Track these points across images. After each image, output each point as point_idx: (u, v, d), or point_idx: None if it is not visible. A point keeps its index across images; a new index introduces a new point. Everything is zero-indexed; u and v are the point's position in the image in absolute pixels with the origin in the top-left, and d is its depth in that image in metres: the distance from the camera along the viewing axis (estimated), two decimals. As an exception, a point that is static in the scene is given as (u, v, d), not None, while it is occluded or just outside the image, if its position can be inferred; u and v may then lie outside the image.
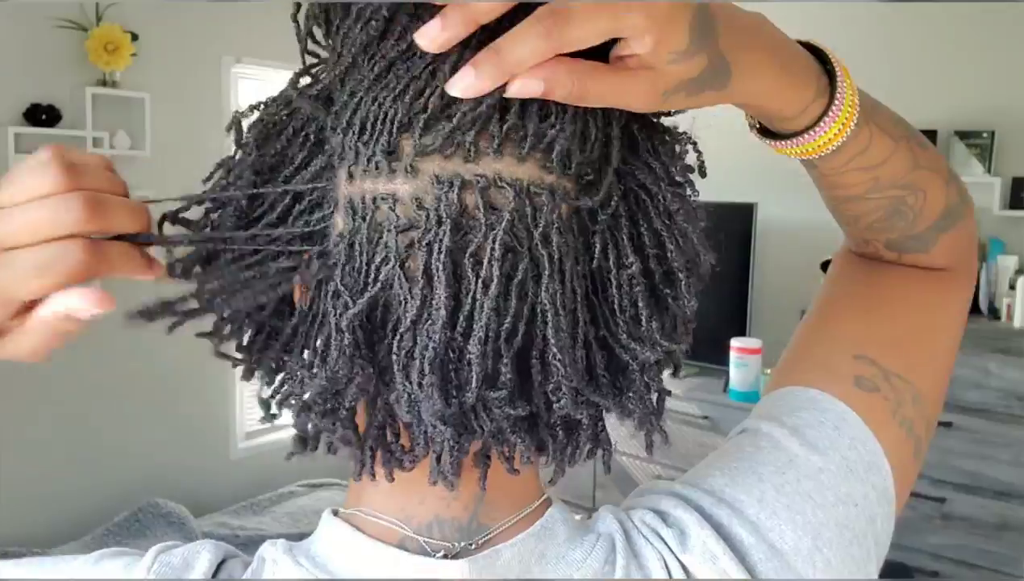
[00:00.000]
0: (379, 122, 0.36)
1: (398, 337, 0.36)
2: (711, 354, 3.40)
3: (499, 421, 0.37)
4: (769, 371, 3.25)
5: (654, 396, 0.41)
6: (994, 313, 2.89)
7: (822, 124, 0.45)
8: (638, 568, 0.42)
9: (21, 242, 0.36)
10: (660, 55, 0.35)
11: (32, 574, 0.44)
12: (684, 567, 0.42)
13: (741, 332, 3.28)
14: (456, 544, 0.41)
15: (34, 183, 0.36)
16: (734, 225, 3.34)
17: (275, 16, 2.77)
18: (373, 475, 0.40)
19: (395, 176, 0.36)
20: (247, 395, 3.65)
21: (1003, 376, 2.68)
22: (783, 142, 0.47)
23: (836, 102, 0.45)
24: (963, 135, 3.04)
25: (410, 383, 0.35)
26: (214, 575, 0.42)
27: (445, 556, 0.41)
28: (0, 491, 2.74)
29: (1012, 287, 2.82)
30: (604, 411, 0.40)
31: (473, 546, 0.41)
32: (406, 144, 0.36)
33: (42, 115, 2.80)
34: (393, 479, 0.40)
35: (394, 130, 0.36)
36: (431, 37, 0.33)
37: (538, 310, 0.36)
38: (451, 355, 0.35)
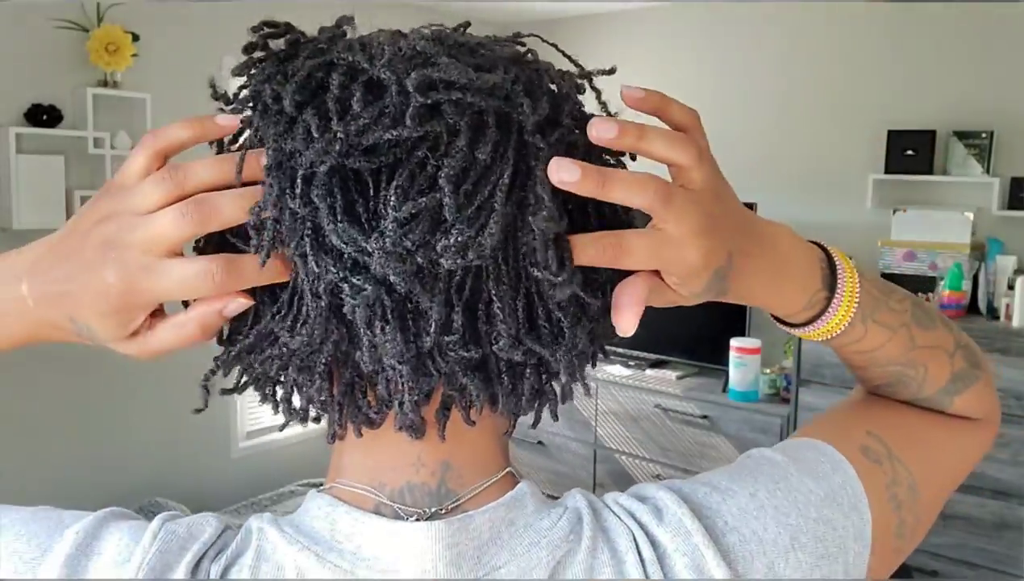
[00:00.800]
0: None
1: None
2: (710, 354, 3.40)
3: (453, 363, 0.42)
4: (768, 371, 3.26)
5: (590, 354, 0.46)
6: (992, 313, 2.90)
7: (814, 325, 0.54)
8: (605, 540, 0.45)
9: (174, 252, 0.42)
10: (681, 290, 0.43)
11: (37, 524, 0.45)
12: (653, 542, 0.45)
13: (740, 332, 3.29)
14: (427, 509, 0.45)
15: (158, 195, 0.42)
16: (734, 225, 3.34)
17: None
18: (344, 433, 0.46)
19: None
20: (247, 395, 3.65)
21: (1001, 376, 2.69)
22: (784, 326, 0.56)
23: (828, 312, 0.53)
24: (962, 135, 3.04)
25: (372, 333, 0.41)
26: (212, 545, 0.44)
27: (418, 519, 0.44)
28: (1, 490, 2.75)
29: (1011, 287, 2.82)
30: (549, 366, 0.45)
31: (443, 511, 0.45)
32: None
33: (43, 115, 2.80)
34: (361, 434, 0.45)
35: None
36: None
37: (484, 265, 0.41)
38: (408, 306, 0.41)
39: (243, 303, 0.42)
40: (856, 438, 0.55)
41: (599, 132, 0.40)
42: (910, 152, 3.11)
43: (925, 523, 0.58)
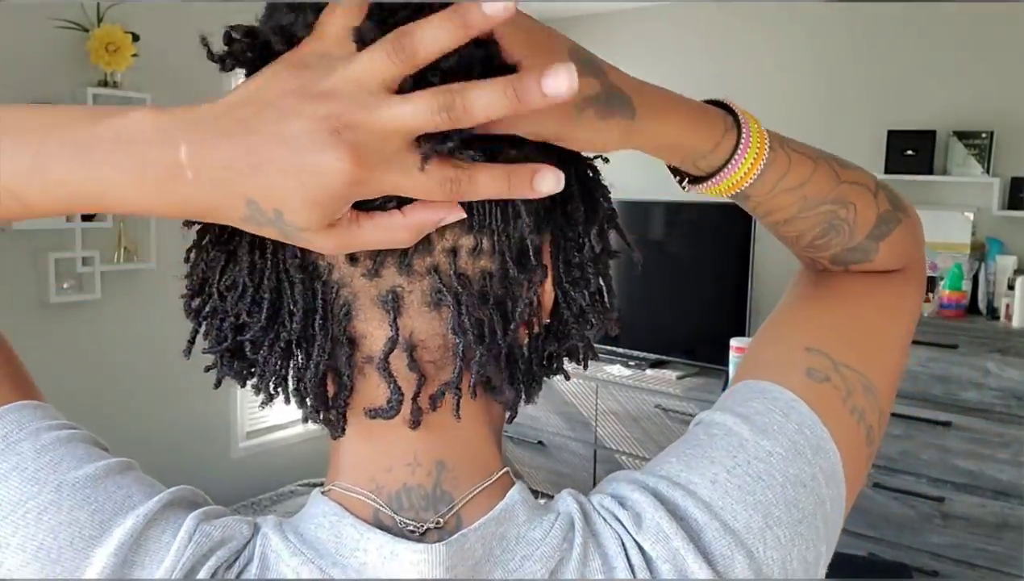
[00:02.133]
0: None
1: None
2: (710, 354, 3.40)
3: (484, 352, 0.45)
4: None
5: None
6: (993, 313, 2.90)
7: (738, 155, 0.50)
8: (596, 546, 0.44)
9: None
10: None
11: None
12: (640, 547, 0.44)
13: (741, 332, 3.29)
14: (424, 517, 0.45)
15: (393, 71, 0.35)
16: (734, 225, 3.35)
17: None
18: (344, 430, 0.47)
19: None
20: (247, 395, 3.66)
21: (1002, 376, 2.69)
22: (708, 182, 0.52)
23: (744, 134, 0.50)
24: (962, 135, 3.04)
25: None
26: (237, 552, 0.44)
27: (414, 532, 0.44)
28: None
29: (1011, 287, 2.82)
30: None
31: (442, 522, 0.45)
32: None
33: (43, 115, 2.80)
34: (343, 432, 0.46)
35: None
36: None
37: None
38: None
39: (461, 214, 0.40)
40: (797, 362, 0.53)
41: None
42: (910, 152, 3.11)
43: (888, 410, 0.56)
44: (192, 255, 0.46)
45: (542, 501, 0.49)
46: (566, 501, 0.47)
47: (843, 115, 3.38)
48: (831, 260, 0.60)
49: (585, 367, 0.52)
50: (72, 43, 2.87)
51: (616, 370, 3.57)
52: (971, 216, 3.01)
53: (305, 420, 0.48)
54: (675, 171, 0.54)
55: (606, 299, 0.50)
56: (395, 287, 0.43)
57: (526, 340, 0.48)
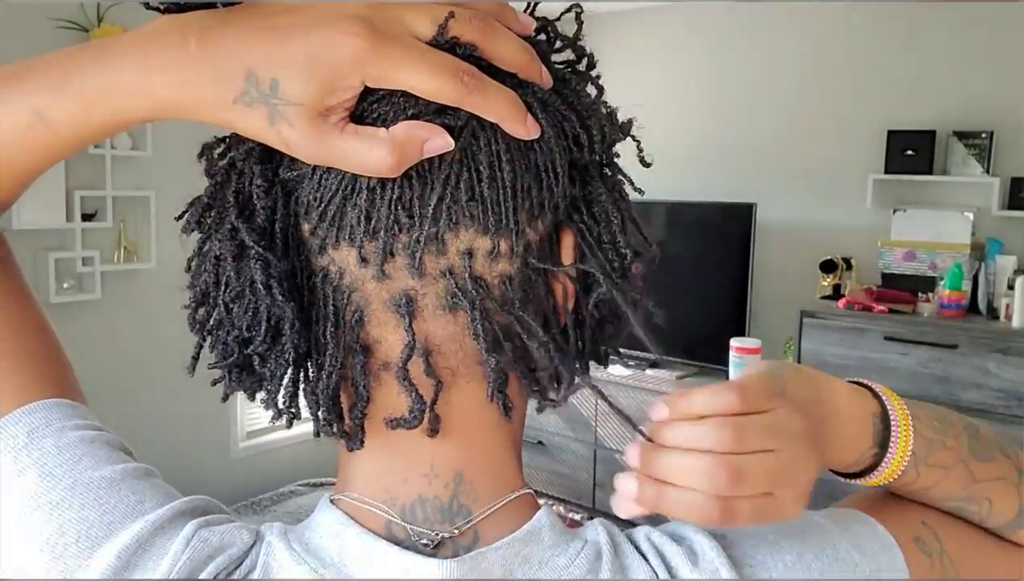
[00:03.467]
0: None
1: None
2: (710, 354, 3.40)
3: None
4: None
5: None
6: (993, 313, 2.90)
7: (871, 476, 0.50)
8: (622, 576, 0.42)
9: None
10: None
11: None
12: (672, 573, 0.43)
13: (741, 332, 3.29)
14: (439, 529, 0.43)
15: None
16: (734, 225, 3.35)
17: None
18: (362, 442, 0.44)
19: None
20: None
21: (1002, 376, 2.69)
22: (839, 477, 0.52)
23: (883, 465, 0.50)
24: (962, 135, 3.04)
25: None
26: (237, 560, 0.43)
27: (428, 545, 0.43)
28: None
29: (1011, 287, 2.82)
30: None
31: (457, 533, 0.43)
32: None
33: (43, 115, 2.80)
34: (361, 444, 0.44)
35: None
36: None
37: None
38: None
39: (448, 144, 0.38)
40: (909, 526, 0.51)
41: None
42: (910, 152, 3.11)
43: None
44: (194, 264, 0.45)
45: (568, 523, 0.47)
46: (595, 530, 0.45)
47: (843, 115, 3.38)
48: None
49: (605, 366, 0.51)
50: (72, 43, 2.86)
51: (616, 370, 3.57)
52: (971, 216, 3.01)
53: (317, 434, 0.46)
54: None
55: (632, 300, 0.49)
56: (408, 290, 0.42)
57: (550, 343, 0.46)
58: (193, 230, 0.44)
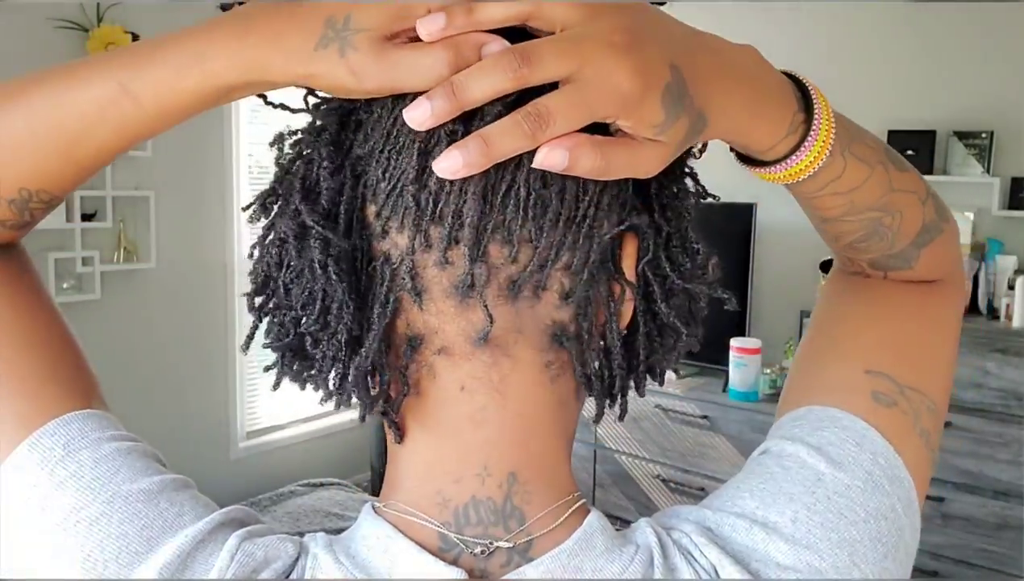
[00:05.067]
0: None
1: None
2: (711, 354, 3.40)
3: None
4: (769, 371, 3.26)
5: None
6: (993, 313, 2.90)
7: (794, 157, 0.48)
8: None
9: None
10: (645, 131, 0.39)
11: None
12: None
13: (741, 332, 3.29)
14: (492, 534, 0.42)
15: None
16: (734, 225, 3.34)
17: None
18: (397, 436, 0.45)
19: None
20: (247, 395, 3.66)
21: (1002, 376, 2.69)
22: (760, 169, 0.50)
23: (809, 138, 0.47)
24: (962, 135, 3.04)
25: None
26: (284, 573, 0.42)
27: (483, 552, 0.42)
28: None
29: (1011, 287, 2.82)
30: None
31: (511, 542, 0.42)
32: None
33: (43, 115, 2.80)
34: (402, 438, 0.44)
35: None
36: (419, 119, 0.37)
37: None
38: None
39: (503, 45, 0.38)
40: (861, 386, 0.51)
41: (415, 117, 0.38)
42: (910, 152, 3.10)
43: (943, 425, 0.54)
44: (256, 251, 0.45)
45: (619, 529, 0.46)
46: (644, 533, 0.44)
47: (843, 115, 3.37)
48: (870, 264, 0.58)
49: (661, 383, 0.50)
50: (72, 43, 2.86)
51: (616, 370, 3.57)
52: (971, 216, 3.01)
53: (362, 419, 0.46)
54: None
55: (693, 313, 0.48)
56: (469, 277, 0.41)
57: (603, 350, 0.46)
58: (259, 218, 0.45)
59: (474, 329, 0.42)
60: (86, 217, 2.95)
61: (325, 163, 0.42)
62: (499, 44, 0.38)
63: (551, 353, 0.44)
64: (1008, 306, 2.80)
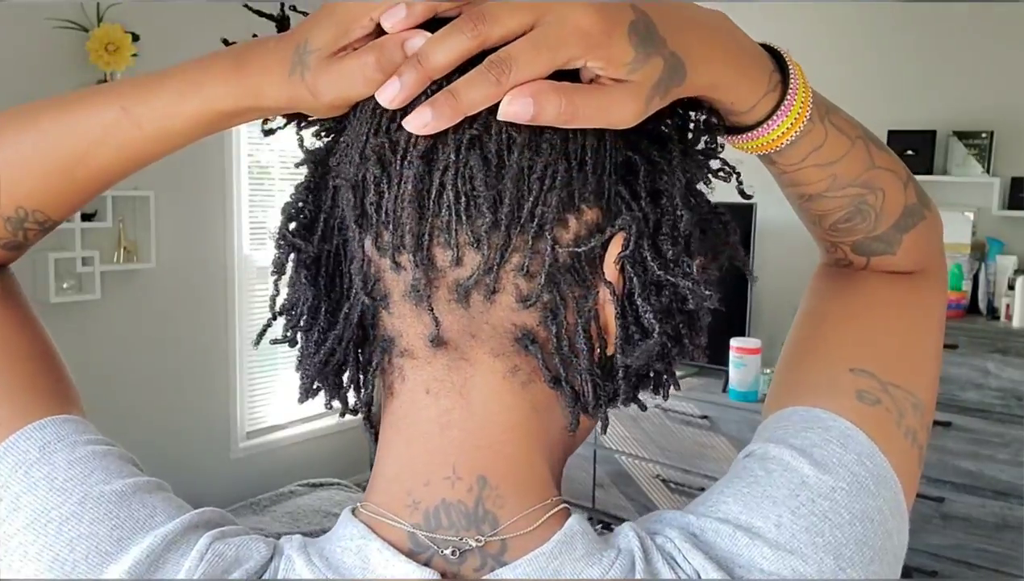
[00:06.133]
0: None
1: None
2: (711, 354, 3.39)
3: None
4: (769, 371, 3.26)
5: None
6: (993, 313, 2.90)
7: (775, 118, 0.47)
8: None
9: None
10: (617, 70, 0.38)
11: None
12: None
13: (741, 332, 3.29)
14: (465, 536, 0.42)
15: None
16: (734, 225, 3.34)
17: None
18: (371, 435, 0.47)
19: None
20: (247, 395, 3.66)
21: (1002, 376, 2.69)
22: (739, 137, 0.49)
23: (788, 98, 0.47)
24: (962, 135, 3.04)
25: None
26: (255, 572, 0.42)
27: (454, 553, 0.41)
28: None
29: (1011, 287, 2.83)
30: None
31: (483, 541, 0.42)
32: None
33: (43, 115, 2.80)
34: (375, 438, 0.46)
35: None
36: (390, 96, 0.39)
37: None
38: None
39: (426, 37, 0.38)
40: (844, 385, 0.50)
41: (415, 125, 0.38)
42: (910, 152, 3.10)
43: (931, 424, 0.53)
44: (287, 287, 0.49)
45: (601, 533, 0.45)
46: (627, 536, 0.43)
47: (843, 115, 3.37)
48: (853, 248, 0.57)
49: (665, 398, 0.49)
50: (72, 43, 2.87)
51: (616, 370, 3.57)
52: (971, 216, 3.01)
53: (342, 415, 0.50)
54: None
55: (694, 317, 0.46)
56: (417, 281, 0.42)
57: (587, 358, 0.44)
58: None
59: (429, 332, 0.42)
60: (86, 217, 2.95)
61: (305, 179, 0.47)
62: (421, 36, 0.38)
63: (516, 358, 0.43)
64: (1008, 306, 2.81)
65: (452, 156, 0.39)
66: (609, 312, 0.44)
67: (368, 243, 0.44)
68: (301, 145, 0.49)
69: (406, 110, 0.39)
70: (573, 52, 0.37)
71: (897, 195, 0.54)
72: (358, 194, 0.43)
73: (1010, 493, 2.69)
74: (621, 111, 0.39)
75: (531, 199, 0.40)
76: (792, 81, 0.47)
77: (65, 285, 2.93)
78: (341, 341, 0.45)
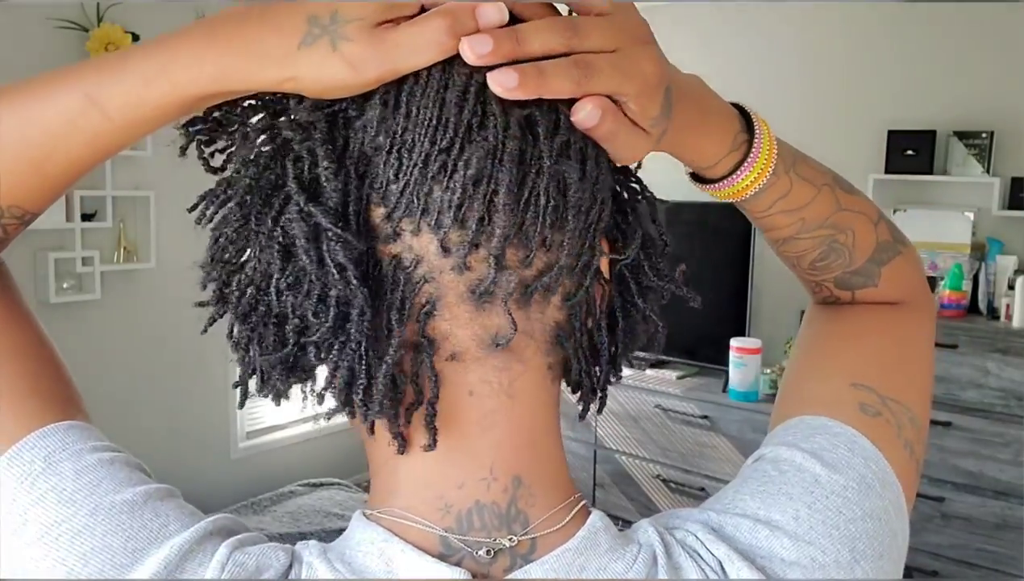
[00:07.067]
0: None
1: None
2: (711, 354, 3.40)
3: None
4: (769, 371, 3.26)
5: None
6: (993, 313, 2.90)
7: (738, 173, 0.52)
8: None
9: None
10: (644, 120, 0.42)
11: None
12: None
13: (741, 332, 3.29)
14: (496, 536, 0.42)
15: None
16: (734, 225, 3.34)
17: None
18: (401, 445, 0.43)
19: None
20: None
21: (1002, 376, 2.69)
22: (707, 186, 0.54)
23: (751, 156, 0.52)
24: (962, 135, 3.04)
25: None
26: None
27: (487, 553, 0.41)
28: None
29: (1011, 287, 2.82)
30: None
31: (516, 540, 0.42)
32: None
33: (43, 115, 2.80)
34: (435, 445, 0.42)
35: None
36: (481, 52, 0.37)
37: None
38: None
39: (502, 12, 0.38)
40: (847, 398, 0.52)
41: (503, 85, 0.38)
42: (910, 152, 3.11)
43: (926, 439, 0.56)
44: (226, 253, 0.43)
45: (620, 529, 0.46)
46: (646, 532, 0.44)
47: (843, 115, 3.38)
48: (836, 283, 0.60)
49: (619, 379, 0.51)
50: (72, 43, 2.87)
51: (616, 370, 3.57)
52: (971, 216, 3.01)
53: (372, 430, 0.44)
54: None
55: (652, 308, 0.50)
56: (487, 282, 0.40)
57: (591, 348, 0.47)
58: (209, 221, 0.43)
59: (488, 334, 0.42)
60: (86, 217, 2.95)
61: (325, 163, 0.40)
62: (495, 7, 0.38)
63: (552, 355, 0.45)
64: (1008, 306, 2.80)
65: (547, 162, 0.40)
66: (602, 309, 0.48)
67: (420, 241, 0.40)
68: (294, 118, 0.42)
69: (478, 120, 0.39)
70: (631, 89, 0.40)
71: (867, 234, 0.58)
72: (420, 187, 0.39)
73: (1010, 493, 2.69)
74: (635, 151, 0.43)
75: (596, 207, 0.43)
76: (756, 141, 0.52)
77: (65, 285, 2.93)
78: (397, 351, 0.41)
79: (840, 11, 3.34)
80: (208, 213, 0.43)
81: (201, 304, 0.45)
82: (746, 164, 0.52)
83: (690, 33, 3.79)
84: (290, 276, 0.41)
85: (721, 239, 3.45)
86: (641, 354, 3.49)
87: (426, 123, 0.39)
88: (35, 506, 0.42)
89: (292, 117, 0.42)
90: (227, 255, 0.43)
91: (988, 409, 2.71)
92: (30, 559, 0.41)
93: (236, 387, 0.45)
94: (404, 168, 0.40)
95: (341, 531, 0.45)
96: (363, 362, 0.40)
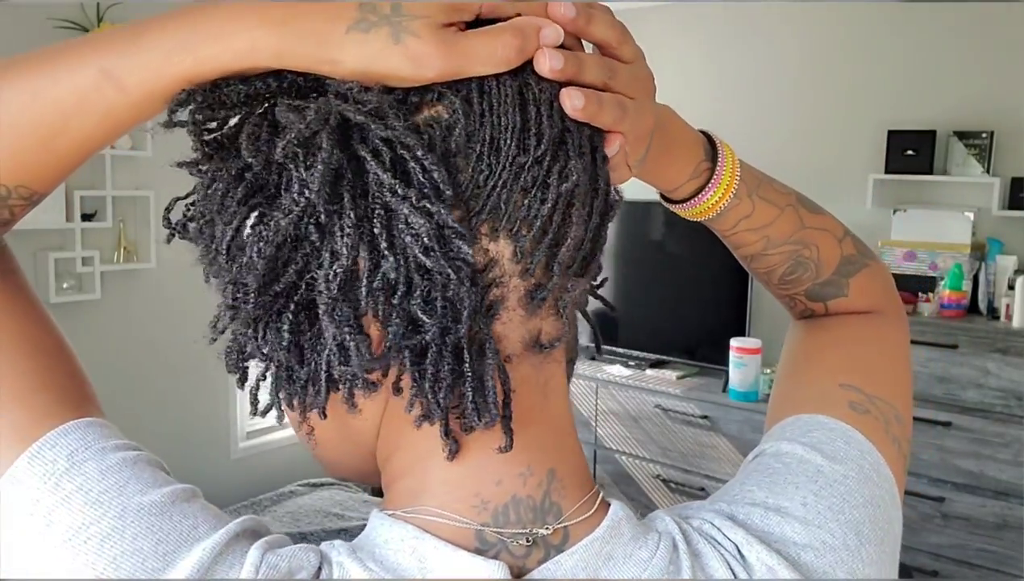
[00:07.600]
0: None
1: None
2: (711, 354, 3.40)
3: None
4: (769, 371, 3.26)
5: None
6: (993, 313, 2.90)
7: (700, 196, 0.59)
8: (700, 569, 0.43)
9: None
10: (634, 159, 0.47)
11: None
12: (748, 572, 0.44)
13: (741, 332, 3.29)
14: (532, 528, 0.43)
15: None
16: (734, 225, 3.34)
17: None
18: (454, 449, 0.42)
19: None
20: (247, 395, 3.65)
21: (1002, 376, 2.69)
22: (673, 206, 0.61)
23: (712, 181, 0.58)
24: (962, 135, 3.04)
25: None
26: None
27: (527, 543, 0.42)
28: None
29: (1011, 287, 2.82)
30: None
31: (551, 530, 0.43)
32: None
33: (43, 115, 2.80)
34: (511, 446, 0.42)
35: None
36: (555, 67, 0.40)
37: None
38: None
39: (558, 33, 0.41)
40: (836, 398, 0.55)
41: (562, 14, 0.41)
42: (910, 152, 3.10)
43: (911, 436, 0.59)
44: (273, 247, 0.39)
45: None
46: (664, 521, 0.46)
47: (843, 115, 3.38)
48: (807, 295, 0.65)
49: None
50: (72, 43, 2.87)
51: (616, 370, 3.57)
52: (971, 216, 3.01)
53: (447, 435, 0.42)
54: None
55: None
56: (545, 284, 0.42)
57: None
58: (271, 226, 0.39)
59: (531, 336, 0.43)
60: (86, 217, 2.95)
61: (430, 157, 0.37)
62: (553, 29, 0.40)
63: (570, 353, 0.48)
64: (1008, 306, 2.80)
65: (602, 184, 0.44)
66: None
67: (497, 246, 0.40)
68: (326, 113, 0.38)
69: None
70: (633, 134, 0.45)
71: (831, 249, 0.64)
72: (512, 195, 0.39)
73: (1010, 493, 2.69)
74: (623, 178, 0.47)
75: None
76: (719, 167, 0.58)
77: (65, 285, 2.94)
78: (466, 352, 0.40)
79: (840, 11, 3.34)
80: (260, 230, 0.40)
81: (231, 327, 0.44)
82: (707, 189, 0.58)
83: (691, 33, 3.79)
84: (384, 276, 0.38)
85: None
86: (641, 354, 3.50)
87: (511, 129, 0.39)
88: (60, 507, 0.40)
89: (356, 101, 0.38)
90: (290, 268, 0.40)
91: (988, 409, 2.71)
92: (58, 562, 0.39)
93: (271, 410, 0.46)
94: (493, 173, 0.39)
95: (341, 531, 0.44)
96: (449, 368, 0.39)
